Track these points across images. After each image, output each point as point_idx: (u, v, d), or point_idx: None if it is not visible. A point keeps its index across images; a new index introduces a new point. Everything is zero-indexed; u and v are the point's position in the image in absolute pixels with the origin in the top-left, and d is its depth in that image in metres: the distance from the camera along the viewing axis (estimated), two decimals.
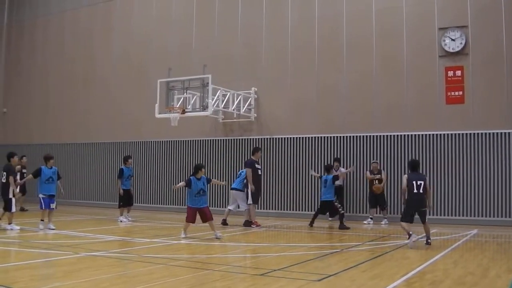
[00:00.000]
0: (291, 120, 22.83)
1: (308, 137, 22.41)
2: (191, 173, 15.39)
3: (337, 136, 21.87)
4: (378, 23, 21.48)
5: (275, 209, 22.60)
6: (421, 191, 13.36)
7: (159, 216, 22.35)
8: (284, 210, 22.51)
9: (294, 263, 10.77)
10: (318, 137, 22.24)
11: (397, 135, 20.79)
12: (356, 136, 21.51)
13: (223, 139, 24.29)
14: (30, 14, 32.45)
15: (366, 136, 21.31)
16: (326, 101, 22.24)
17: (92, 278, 9.00)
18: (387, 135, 20.97)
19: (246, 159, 20.74)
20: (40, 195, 16.81)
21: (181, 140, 25.37)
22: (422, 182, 13.42)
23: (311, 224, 18.34)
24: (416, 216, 13.62)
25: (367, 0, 21.77)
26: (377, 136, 21.11)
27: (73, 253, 11.84)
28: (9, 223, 16.13)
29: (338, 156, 21.53)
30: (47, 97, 30.87)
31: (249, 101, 23.42)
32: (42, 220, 16.58)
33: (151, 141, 26.32)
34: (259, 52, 23.90)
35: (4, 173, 16.46)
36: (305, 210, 21.99)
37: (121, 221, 19.55)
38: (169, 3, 26.76)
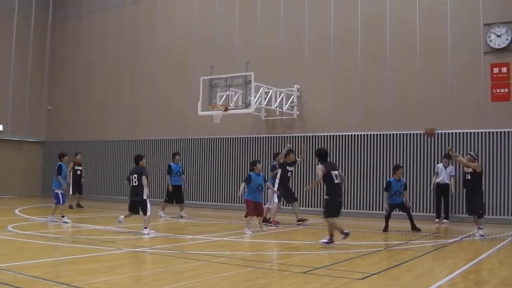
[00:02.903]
0: (334, 117, 22.71)
1: (352, 135, 22.27)
2: (248, 169, 15.58)
3: (381, 134, 21.68)
4: (422, 18, 21.20)
5: (317, 207, 22.47)
6: None
7: (201, 212, 22.45)
8: None
9: (336, 261, 10.73)
10: (361, 134, 22.08)
11: (442, 133, 20.48)
12: (400, 134, 21.29)
13: (266, 137, 24.29)
14: (74, 12, 32.86)
15: (410, 134, 21.07)
16: (369, 98, 22.07)
17: (135, 274, 9.10)
18: None
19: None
20: (59, 191, 17.52)
21: (223, 138, 25.43)
22: None
23: (414, 228, 16.52)
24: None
25: None
26: (420, 134, 20.84)
27: (117, 248, 11.98)
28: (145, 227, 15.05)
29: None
30: (91, 94, 31.24)
31: (291, 99, 23.36)
32: (63, 216, 17.45)
33: (194, 138, 26.44)
34: (301, 49, 23.81)
35: (135, 175, 15.42)
36: (347, 209, 21.84)
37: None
38: (212, 0, 26.82)
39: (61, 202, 17.53)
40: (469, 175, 15.26)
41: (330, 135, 22.70)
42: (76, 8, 32.80)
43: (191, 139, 26.56)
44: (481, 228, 14.92)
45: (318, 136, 22.91)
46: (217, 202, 25.24)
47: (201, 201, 25.76)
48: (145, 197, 15.24)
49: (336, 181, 12.78)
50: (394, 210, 16.82)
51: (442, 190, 19.77)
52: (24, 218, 18.56)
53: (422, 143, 20.83)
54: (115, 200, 27.08)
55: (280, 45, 24.35)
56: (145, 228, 14.86)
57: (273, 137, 24.01)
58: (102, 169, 29.53)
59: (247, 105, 21.07)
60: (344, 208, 21.65)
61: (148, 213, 15.02)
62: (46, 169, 32.22)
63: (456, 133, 20.27)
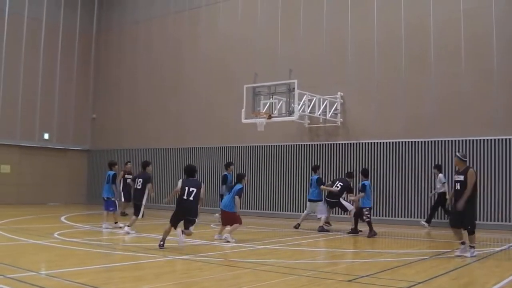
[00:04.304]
0: (378, 124, 22.54)
1: (396, 142, 22.08)
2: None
3: (425, 141, 21.45)
4: (466, 24, 20.93)
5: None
6: None
7: (244, 220, 22.32)
8: (374, 216, 22.22)
9: (382, 269, 10.62)
10: (405, 141, 21.87)
11: (489, 140, 20.18)
12: (446, 141, 21.01)
13: (309, 144, 24.22)
14: (118, 21, 33.31)
15: (455, 140, 20.80)
16: (413, 105, 21.85)
17: (180, 281, 9.12)
18: (478, 140, 20.38)
19: (329, 164, 20.42)
20: (116, 199, 18.58)
21: (266, 145, 25.44)
22: None
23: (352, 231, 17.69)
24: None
25: (455, 0, 21.29)
26: (466, 140, 20.57)
27: (162, 256, 12.02)
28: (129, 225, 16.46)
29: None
30: (135, 102, 31.58)
31: (335, 106, 23.26)
32: (116, 222, 18.17)
33: (236, 146, 26.51)
34: (344, 56, 23.74)
35: (141, 180, 16.58)
36: (393, 216, 21.68)
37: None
38: (254, 9, 26.91)
39: (117, 209, 18.45)
40: (458, 184, 12.44)
41: (373, 142, 22.55)
42: (120, 18, 33.23)
43: (233, 147, 26.64)
44: (473, 247, 12.44)
45: (362, 143, 22.78)
46: (260, 209, 25.22)
47: (244, 208, 25.66)
48: (143, 202, 16.35)
49: (185, 197, 13.06)
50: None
51: (440, 199, 20.11)
52: (69, 225, 18.80)
53: (466, 149, 20.50)
54: (159, 208, 27.23)
55: (323, 52, 24.30)
56: (127, 226, 16.26)
57: (316, 144, 23.94)
58: None
59: (290, 112, 21.04)
60: (390, 216, 21.65)
61: (139, 216, 16.31)
62: (91, 177, 32.65)
63: (502, 139, 19.92)
